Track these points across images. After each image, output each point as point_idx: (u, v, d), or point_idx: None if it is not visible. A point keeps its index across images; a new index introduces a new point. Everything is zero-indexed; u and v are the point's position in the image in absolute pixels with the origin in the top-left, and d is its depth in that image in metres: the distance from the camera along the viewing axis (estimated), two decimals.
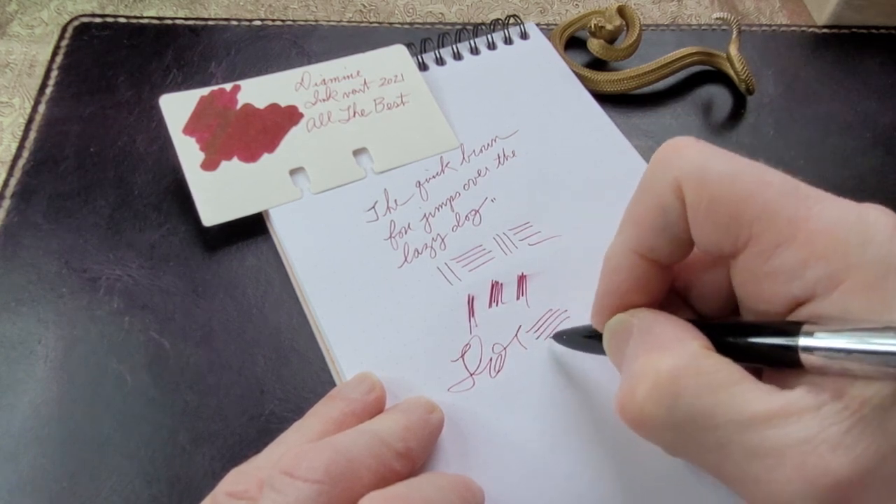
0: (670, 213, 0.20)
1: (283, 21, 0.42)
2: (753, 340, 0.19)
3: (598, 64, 0.41)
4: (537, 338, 0.30)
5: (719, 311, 0.23)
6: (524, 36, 0.40)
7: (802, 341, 0.17)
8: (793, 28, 0.44)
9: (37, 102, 0.37)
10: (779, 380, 0.18)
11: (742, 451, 0.17)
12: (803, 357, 0.17)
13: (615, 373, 0.29)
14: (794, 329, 0.18)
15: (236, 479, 0.23)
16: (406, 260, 0.32)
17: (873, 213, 0.17)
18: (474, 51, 0.40)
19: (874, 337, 0.16)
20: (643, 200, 0.21)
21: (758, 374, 0.19)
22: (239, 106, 0.36)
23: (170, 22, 0.41)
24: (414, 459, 0.24)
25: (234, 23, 0.41)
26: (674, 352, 0.19)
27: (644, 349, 0.20)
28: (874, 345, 0.16)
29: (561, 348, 0.28)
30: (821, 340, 0.17)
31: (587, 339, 0.26)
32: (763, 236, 0.18)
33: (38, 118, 0.36)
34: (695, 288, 0.23)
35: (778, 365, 0.18)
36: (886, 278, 0.17)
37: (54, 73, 0.38)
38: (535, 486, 0.26)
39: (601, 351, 0.24)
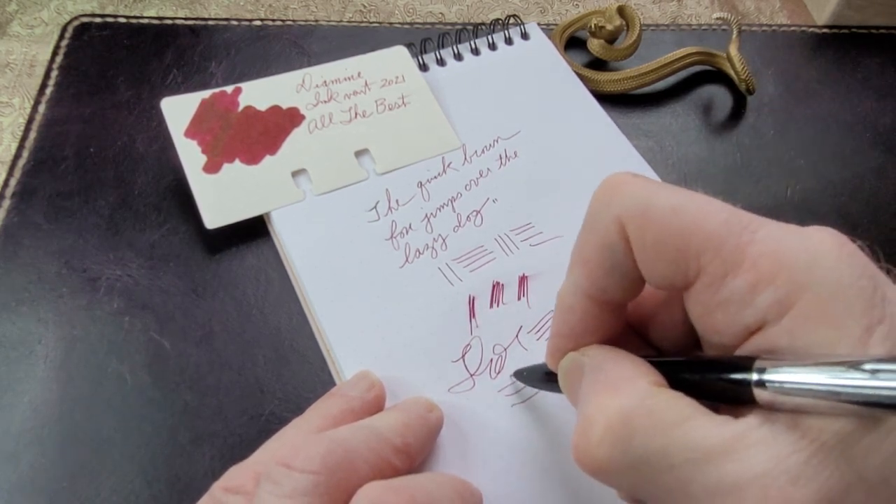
0: (617, 253, 0.19)
1: (283, 21, 0.42)
2: (706, 376, 0.18)
3: (598, 64, 0.41)
4: (538, 339, 0.29)
5: (679, 345, 0.22)
6: (525, 36, 0.40)
7: (755, 377, 0.16)
8: (793, 28, 0.44)
9: (37, 102, 0.37)
10: (736, 411, 0.17)
11: (702, 488, 0.17)
12: (756, 393, 0.16)
13: None
14: (746, 364, 0.17)
15: (233, 475, 0.23)
16: (407, 260, 0.32)
17: (818, 235, 0.17)
18: (475, 51, 0.40)
19: (827, 372, 0.15)
20: (588, 241, 0.20)
21: (716, 409, 0.18)
22: (240, 108, 0.36)
23: (170, 22, 0.41)
24: (412, 456, 0.24)
25: (234, 23, 0.41)
26: (623, 392, 0.18)
27: (595, 389, 0.20)
28: (826, 381, 0.15)
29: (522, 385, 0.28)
30: (773, 375, 0.16)
31: (546, 378, 0.25)
32: (711, 267, 0.17)
33: (38, 118, 0.36)
34: (651, 323, 0.23)
35: (732, 401, 0.18)
36: (836, 300, 0.16)
37: (54, 73, 0.38)
38: (534, 487, 0.26)
39: (559, 389, 0.23)
